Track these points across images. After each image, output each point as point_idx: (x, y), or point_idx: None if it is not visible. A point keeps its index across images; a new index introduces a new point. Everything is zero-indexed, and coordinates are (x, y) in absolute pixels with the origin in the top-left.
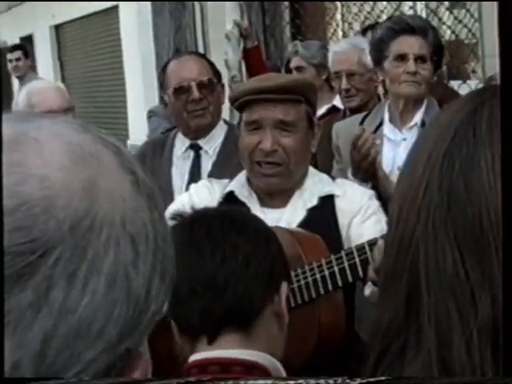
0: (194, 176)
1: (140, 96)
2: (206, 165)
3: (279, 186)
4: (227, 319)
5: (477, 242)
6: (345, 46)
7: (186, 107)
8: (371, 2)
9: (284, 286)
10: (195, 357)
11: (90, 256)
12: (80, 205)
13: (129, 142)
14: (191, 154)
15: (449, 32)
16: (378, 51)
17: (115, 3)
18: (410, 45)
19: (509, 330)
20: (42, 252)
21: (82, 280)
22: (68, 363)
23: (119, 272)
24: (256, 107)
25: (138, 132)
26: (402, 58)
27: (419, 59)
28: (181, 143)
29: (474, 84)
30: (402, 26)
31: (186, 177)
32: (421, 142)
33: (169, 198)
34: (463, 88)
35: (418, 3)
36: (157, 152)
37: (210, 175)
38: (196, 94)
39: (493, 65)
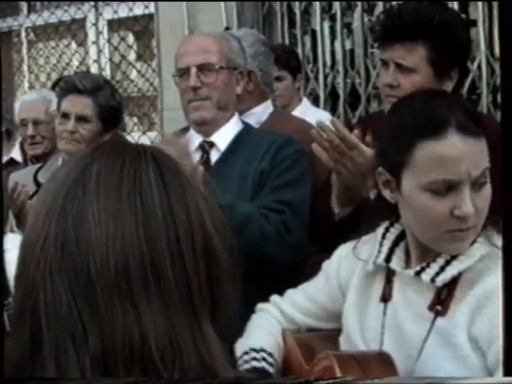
0: None
1: None
2: None
3: None
4: None
5: (86, 287)
6: (34, 96)
7: None
8: (56, 55)
9: None
10: None
11: None
12: None
13: None
14: None
15: (132, 85)
16: (58, 109)
17: None
18: (74, 104)
19: (509, 330)
20: None
21: None
22: None
23: None
24: None
25: None
26: (65, 116)
27: (81, 119)
28: None
29: (153, 135)
30: (70, 87)
31: None
32: (41, 197)
33: None
34: (143, 139)
35: (103, 57)
36: None
37: None
38: None
39: (171, 117)
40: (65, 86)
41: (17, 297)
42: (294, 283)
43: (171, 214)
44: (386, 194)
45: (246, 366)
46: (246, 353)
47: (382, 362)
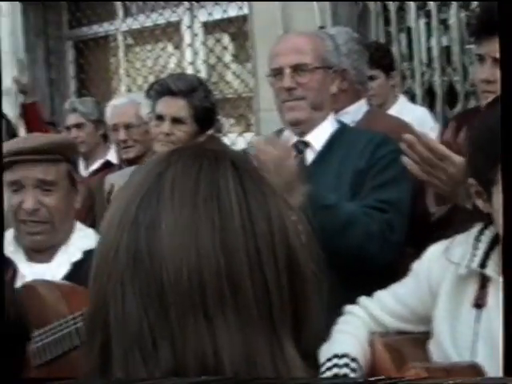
0: None
1: None
2: None
3: (44, 243)
4: None
5: (158, 300)
6: (123, 100)
7: None
8: (152, 58)
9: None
10: None
11: None
12: None
13: None
14: None
15: (228, 87)
16: (152, 111)
17: None
18: (169, 106)
19: (509, 330)
20: None
21: None
22: None
23: None
24: (16, 168)
25: None
26: (160, 118)
27: (176, 121)
28: None
29: (249, 136)
30: (164, 89)
31: None
32: (115, 203)
33: None
34: (240, 140)
35: (198, 59)
36: None
37: None
38: None
39: (268, 118)
40: (159, 89)
41: (89, 308)
42: (388, 285)
43: (251, 224)
44: (479, 203)
45: (328, 374)
46: (328, 359)
47: (475, 374)
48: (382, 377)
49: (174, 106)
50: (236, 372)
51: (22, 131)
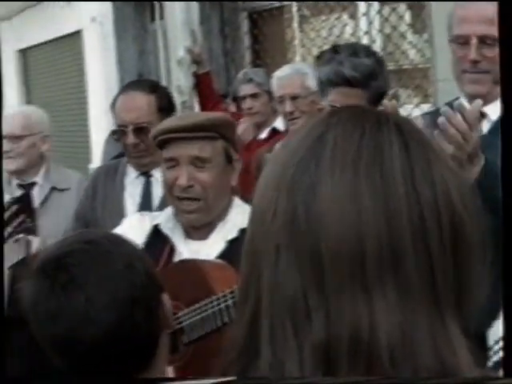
0: (146, 200)
1: (102, 120)
2: (157, 190)
3: (199, 221)
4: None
5: (314, 267)
6: (288, 71)
7: (126, 148)
8: (327, 28)
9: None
10: None
11: None
12: None
13: (91, 166)
14: (142, 179)
15: (404, 57)
16: (321, 91)
17: (80, 28)
18: (347, 98)
19: (509, 330)
20: None
21: None
22: None
23: None
24: (172, 145)
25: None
26: None
27: None
28: (133, 169)
29: (427, 108)
30: (340, 79)
31: (138, 201)
32: (271, 165)
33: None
34: (416, 112)
35: (373, 29)
36: (109, 176)
37: (163, 201)
38: (131, 139)
39: (446, 89)
40: (334, 78)
41: (242, 274)
42: None
43: (415, 191)
44: None
45: (495, 358)
46: (497, 342)
47: None
48: None
49: (352, 98)
50: (391, 349)
51: (195, 101)
